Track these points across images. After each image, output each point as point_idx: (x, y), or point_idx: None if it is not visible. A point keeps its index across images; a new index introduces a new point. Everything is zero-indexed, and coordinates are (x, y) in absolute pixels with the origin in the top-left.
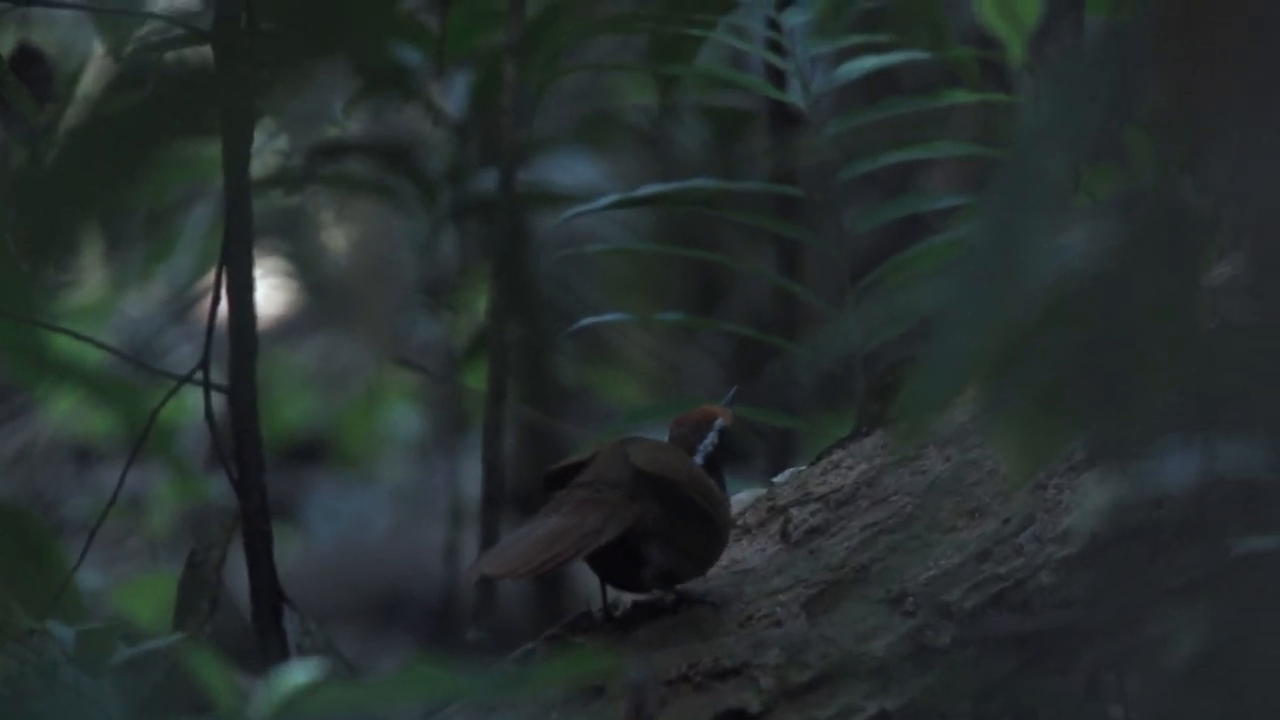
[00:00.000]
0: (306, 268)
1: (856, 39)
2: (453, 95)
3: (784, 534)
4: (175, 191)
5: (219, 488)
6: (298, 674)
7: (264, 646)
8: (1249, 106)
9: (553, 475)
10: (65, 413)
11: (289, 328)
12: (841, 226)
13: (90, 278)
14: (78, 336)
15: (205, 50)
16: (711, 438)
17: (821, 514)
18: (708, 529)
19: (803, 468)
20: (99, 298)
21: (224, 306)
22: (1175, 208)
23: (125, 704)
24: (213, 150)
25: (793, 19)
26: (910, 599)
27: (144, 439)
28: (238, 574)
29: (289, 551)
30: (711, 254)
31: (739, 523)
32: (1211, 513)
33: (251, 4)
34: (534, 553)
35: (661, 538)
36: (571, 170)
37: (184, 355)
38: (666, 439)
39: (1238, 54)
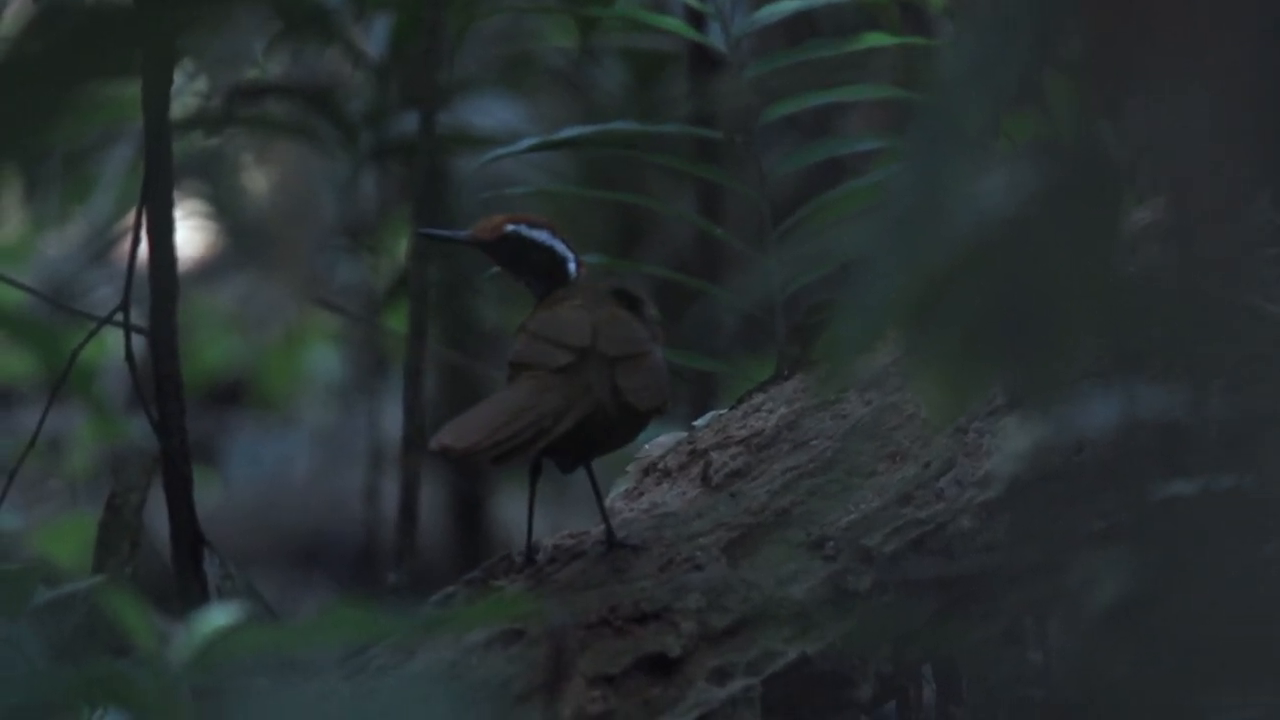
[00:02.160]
0: (227, 209)
1: None
2: (373, 37)
3: (705, 477)
4: (94, 132)
5: (139, 429)
6: (218, 617)
7: (184, 589)
8: (1167, 52)
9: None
10: None
11: (209, 269)
12: (762, 169)
13: (9, 218)
14: None
15: None
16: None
17: (742, 457)
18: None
19: (723, 411)
20: (18, 238)
21: (144, 248)
22: (1095, 153)
23: (44, 646)
24: (132, 91)
25: None
26: (831, 543)
27: (63, 380)
28: (158, 516)
29: (209, 494)
30: (632, 196)
31: (659, 466)
32: (1131, 457)
33: None
34: (494, 425)
35: (611, 424)
36: (492, 112)
37: (104, 296)
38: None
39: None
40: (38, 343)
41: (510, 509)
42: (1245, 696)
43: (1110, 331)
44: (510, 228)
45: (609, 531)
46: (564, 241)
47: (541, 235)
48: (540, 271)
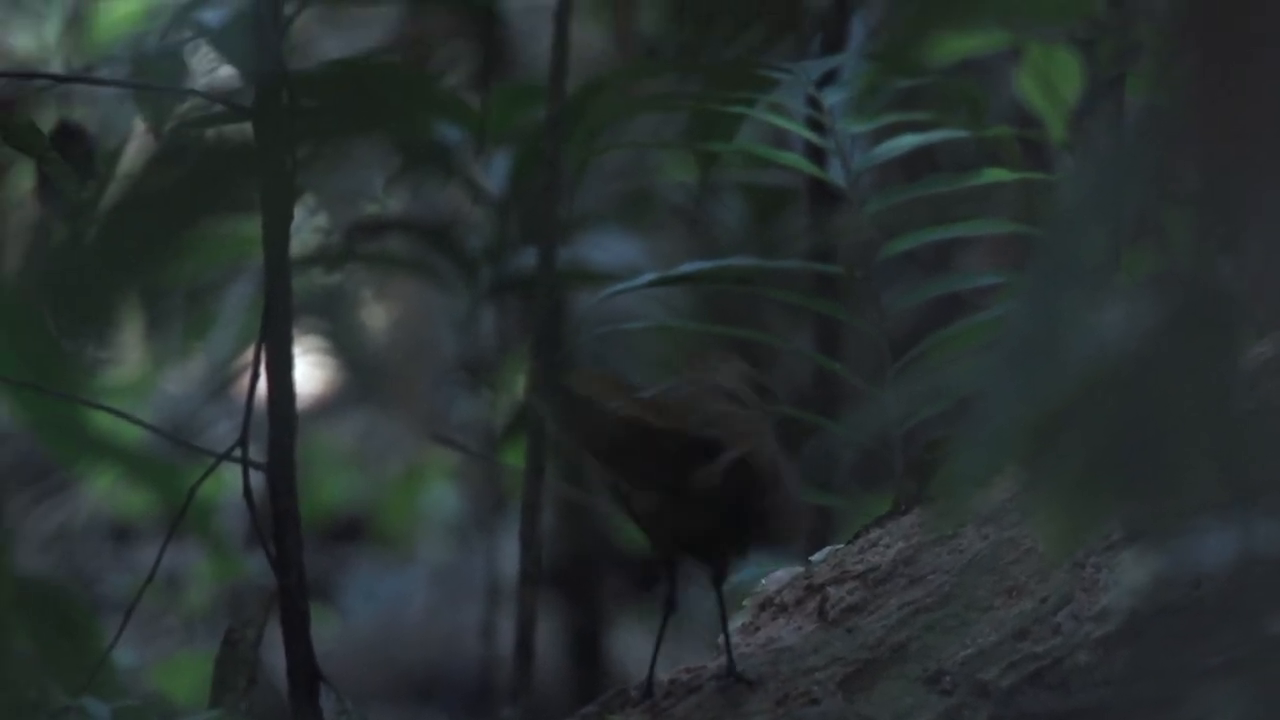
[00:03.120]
0: (346, 346)
1: (895, 117)
2: (493, 173)
3: (821, 612)
4: (215, 269)
5: (257, 566)
6: None
7: None
8: None
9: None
10: (104, 490)
11: (328, 406)
12: (880, 305)
13: (130, 355)
14: (117, 413)
15: (246, 127)
16: None
17: (859, 592)
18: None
19: (840, 546)
20: (138, 375)
21: (263, 384)
22: (1213, 288)
23: None
24: (252, 227)
25: (832, 97)
26: (947, 677)
27: (182, 516)
28: (275, 652)
29: (326, 630)
30: (751, 333)
31: (776, 601)
32: (1249, 592)
33: (292, 81)
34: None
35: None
36: (611, 248)
37: (223, 432)
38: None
39: (1273, 133)
40: (156, 479)
41: (626, 645)
42: None
43: (1228, 466)
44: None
45: (730, 662)
46: None
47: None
48: None
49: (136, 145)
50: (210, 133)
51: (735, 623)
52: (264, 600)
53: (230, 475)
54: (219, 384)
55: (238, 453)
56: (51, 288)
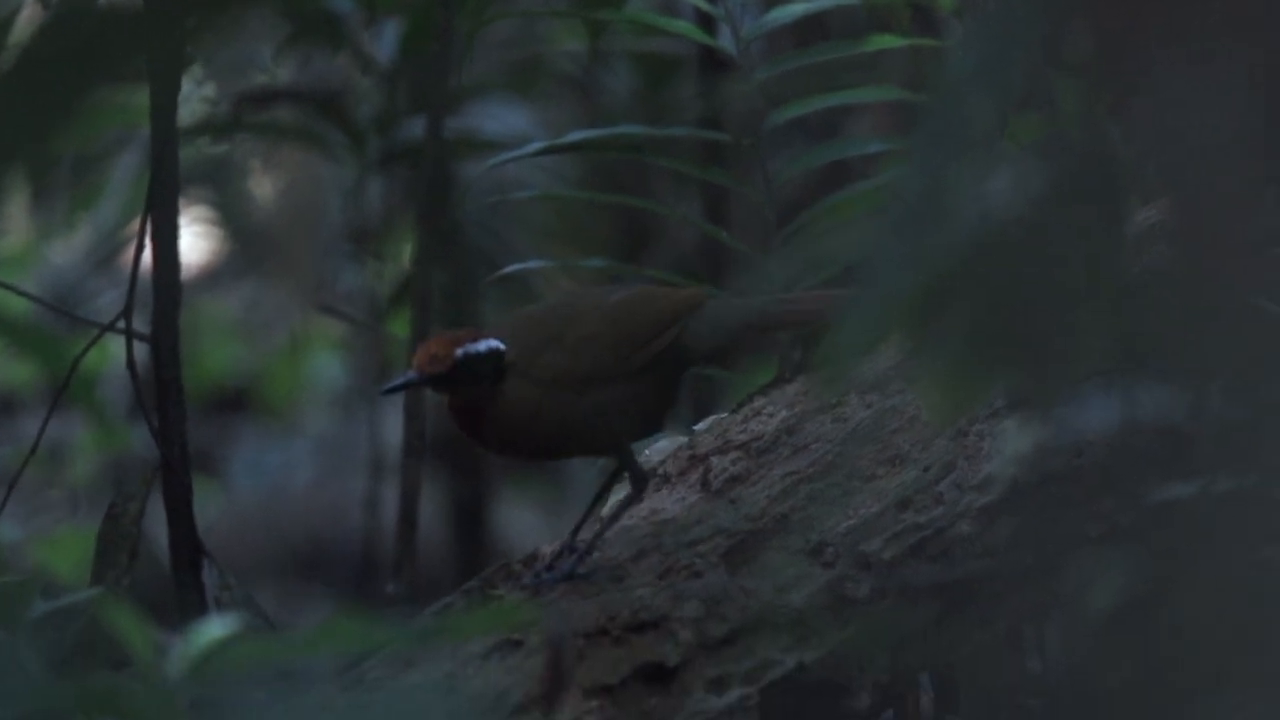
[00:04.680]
0: (232, 216)
1: None
2: (382, 42)
3: (704, 483)
4: (102, 139)
5: (140, 438)
6: (216, 627)
7: (183, 600)
8: (1173, 49)
9: None
10: None
11: (214, 276)
12: (768, 173)
13: (15, 225)
14: (0, 285)
15: None
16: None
17: (742, 462)
18: None
19: (724, 415)
20: (23, 245)
21: (149, 254)
22: (1100, 153)
23: (43, 658)
24: (140, 97)
25: None
26: (830, 549)
27: (65, 387)
28: (158, 526)
29: (210, 504)
30: (639, 200)
31: (660, 471)
32: (1130, 460)
33: None
34: None
35: None
36: (500, 117)
37: (108, 303)
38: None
39: None
40: (40, 350)
41: (509, 518)
42: (1242, 700)
43: (1111, 333)
44: (459, 353)
45: (571, 542)
46: (488, 334)
47: (482, 345)
48: (487, 376)
49: (26, 15)
50: (99, 2)
51: (618, 494)
52: (147, 473)
53: (114, 346)
54: (104, 254)
55: (122, 323)
56: None
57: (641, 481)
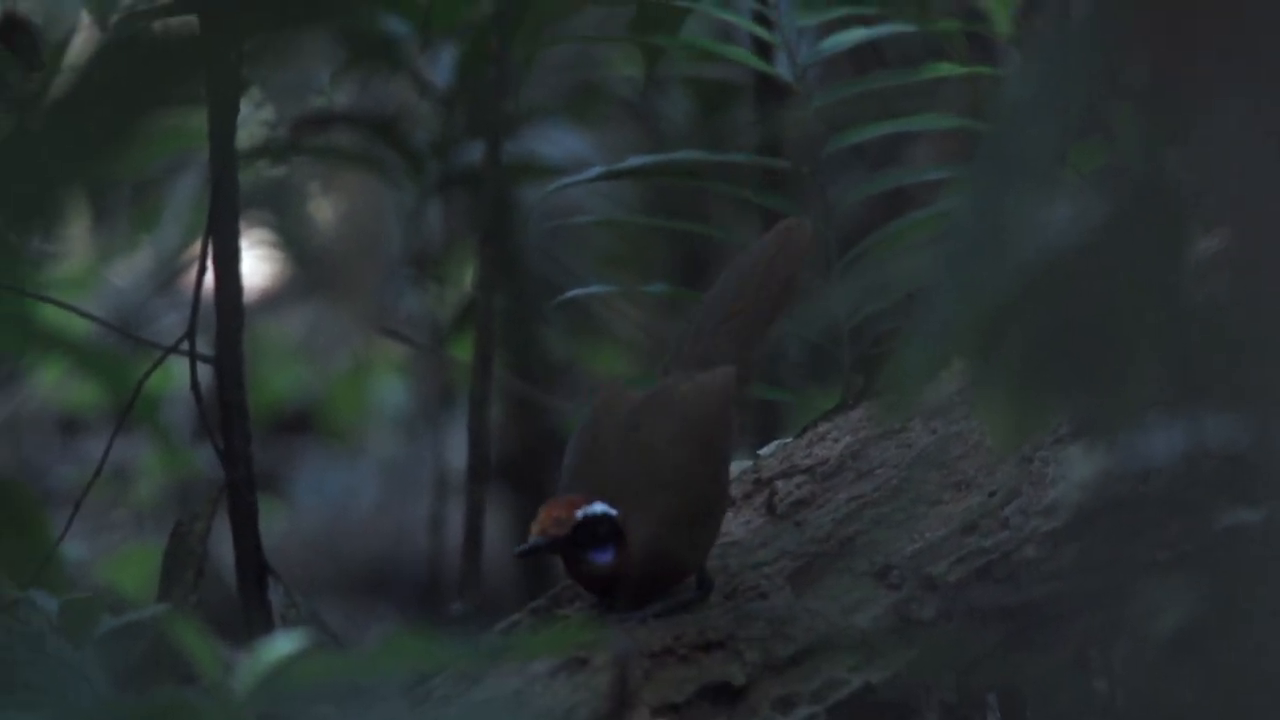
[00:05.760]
0: (292, 239)
1: (843, 11)
2: (439, 66)
3: (769, 506)
4: (161, 162)
5: (205, 459)
6: (282, 645)
7: (248, 618)
8: (1232, 77)
9: None
10: (51, 383)
11: (275, 299)
12: (827, 199)
13: (77, 248)
14: (64, 306)
15: (192, 19)
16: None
17: (807, 486)
18: None
19: (788, 440)
20: (85, 268)
21: (210, 277)
22: (1160, 182)
23: (109, 674)
24: (199, 120)
25: None
26: (895, 572)
27: (130, 409)
28: (223, 545)
29: (274, 523)
30: (697, 226)
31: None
32: (1196, 486)
33: None
34: None
35: None
36: (558, 142)
37: (170, 325)
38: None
39: (1220, 26)
40: (104, 372)
41: None
42: None
43: (1176, 360)
44: (579, 514)
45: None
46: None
47: (596, 507)
48: (605, 537)
49: (83, 37)
50: (156, 24)
51: None
52: (212, 494)
53: (178, 368)
54: (166, 277)
55: (185, 345)
56: None
57: (709, 585)
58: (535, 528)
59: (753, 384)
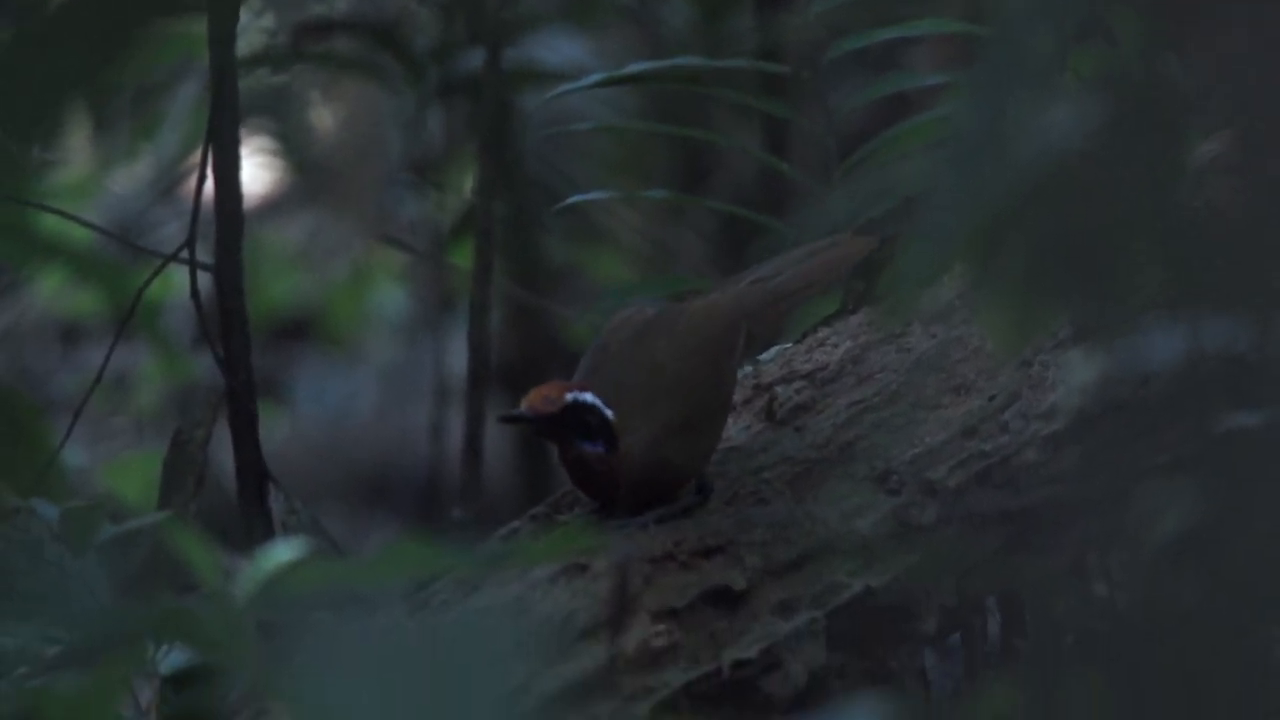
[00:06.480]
0: (293, 146)
1: None
2: None
3: (769, 411)
4: (161, 70)
5: (205, 366)
6: (282, 552)
7: (249, 525)
8: None
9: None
10: (52, 291)
11: (275, 206)
12: (828, 105)
13: (76, 156)
14: (64, 215)
15: None
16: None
17: (807, 391)
18: None
19: (788, 345)
20: (86, 176)
21: (210, 185)
22: (1160, 86)
23: (110, 582)
24: (199, 28)
25: None
26: (895, 476)
27: (130, 317)
28: (223, 452)
29: (275, 430)
30: (698, 132)
31: None
32: (1197, 389)
33: None
34: None
35: None
36: (558, 48)
37: (170, 233)
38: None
39: None
40: (104, 280)
41: None
42: None
43: (1175, 264)
44: (569, 397)
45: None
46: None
47: (588, 396)
48: (596, 432)
49: None
50: None
51: None
52: (212, 400)
53: (178, 276)
54: (166, 185)
55: (185, 253)
56: None
57: (708, 491)
58: (524, 403)
59: (778, 336)
